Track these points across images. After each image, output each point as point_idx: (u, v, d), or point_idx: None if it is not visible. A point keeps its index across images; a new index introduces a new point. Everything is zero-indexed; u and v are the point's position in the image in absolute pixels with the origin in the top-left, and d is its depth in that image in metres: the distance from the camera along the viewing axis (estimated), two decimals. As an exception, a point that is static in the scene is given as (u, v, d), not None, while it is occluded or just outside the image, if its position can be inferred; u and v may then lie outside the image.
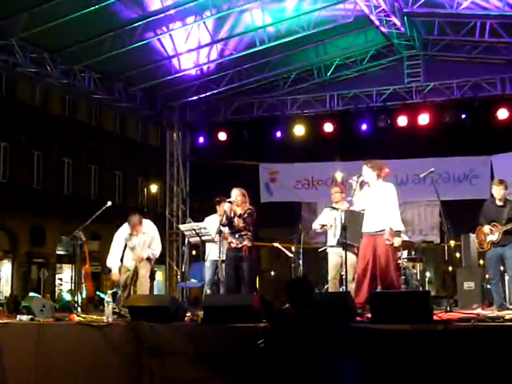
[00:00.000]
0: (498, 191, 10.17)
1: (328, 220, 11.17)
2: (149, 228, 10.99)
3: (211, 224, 11.21)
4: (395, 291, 8.83)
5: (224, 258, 10.53)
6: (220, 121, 17.80)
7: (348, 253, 10.13)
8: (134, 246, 10.77)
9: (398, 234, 9.52)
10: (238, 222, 10.22)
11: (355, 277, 9.88)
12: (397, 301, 7.56)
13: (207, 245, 11.35)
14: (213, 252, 11.12)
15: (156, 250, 11.04)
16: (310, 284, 5.67)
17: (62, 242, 29.38)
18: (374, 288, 9.35)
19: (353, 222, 10.00)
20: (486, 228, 10.14)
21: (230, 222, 10.24)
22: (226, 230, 10.39)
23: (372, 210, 9.56)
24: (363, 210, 9.82)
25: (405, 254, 12.29)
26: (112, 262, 10.86)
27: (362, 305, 8.87)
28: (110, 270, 11.09)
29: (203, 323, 8.03)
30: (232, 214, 10.25)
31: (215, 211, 11.65)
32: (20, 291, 26.92)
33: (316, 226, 11.45)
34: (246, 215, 10.23)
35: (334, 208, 11.06)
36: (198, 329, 7.89)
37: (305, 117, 17.28)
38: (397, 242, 9.48)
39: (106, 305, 9.20)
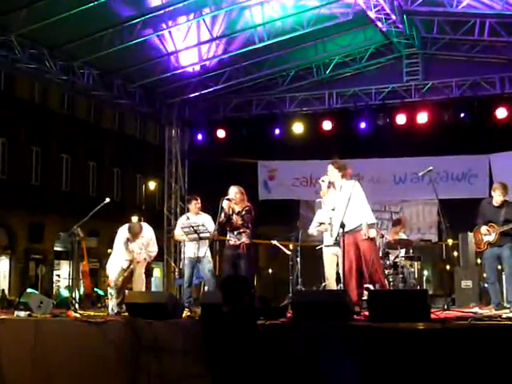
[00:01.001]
0: (497, 197, 10.18)
1: (323, 219, 11.18)
2: (146, 231, 10.99)
3: (181, 223, 11.39)
4: (393, 290, 8.83)
5: (197, 256, 10.74)
6: (219, 118, 17.81)
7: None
8: (133, 249, 10.77)
9: (372, 226, 9.57)
10: (236, 219, 10.22)
11: (344, 277, 9.89)
12: (394, 299, 7.56)
13: (187, 243, 11.36)
14: (189, 250, 11.12)
15: (153, 251, 11.03)
16: (244, 282, 5.70)
17: (59, 238, 29.41)
18: (362, 284, 9.37)
19: None
20: (483, 229, 10.16)
21: (228, 220, 10.24)
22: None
23: (344, 208, 9.50)
24: (332, 210, 9.86)
25: (402, 252, 12.29)
26: (112, 268, 10.80)
27: (355, 303, 8.87)
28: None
29: (200, 320, 8.03)
30: (230, 212, 10.25)
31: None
32: (18, 287, 26.93)
33: (312, 230, 11.47)
34: (244, 212, 10.23)
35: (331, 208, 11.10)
36: (196, 326, 7.89)
37: (303, 115, 17.30)
38: (372, 233, 9.53)
39: (109, 296, 9.24)
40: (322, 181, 9.97)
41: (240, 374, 5.35)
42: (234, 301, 5.51)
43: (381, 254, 11.23)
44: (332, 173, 9.76)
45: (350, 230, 9.47)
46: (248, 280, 5.80)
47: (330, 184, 9.87)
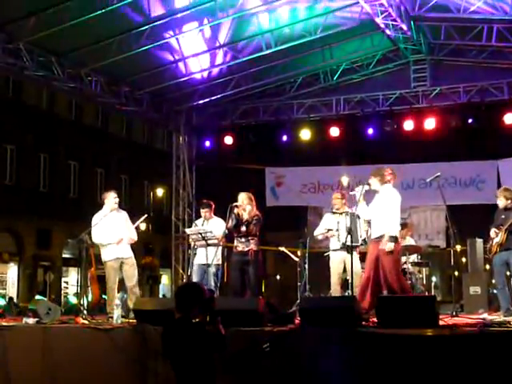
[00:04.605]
0: (499, 202, 10.25)
1: (330, 225, 11.16)
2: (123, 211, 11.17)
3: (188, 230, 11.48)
4: (401, 296, 8.77)
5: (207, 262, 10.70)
6: (226, 125, 17.82)
7: (353, 257, 10.14)
8: (115, 222, 10.76)
9: (392, 239, 9.25)
10: (244, 228, 10.19)
11: (360, 282, 9.85)
12: (403, 305, 7.55)
13: (198, 250, 11.37)
14: (199, 256, 11.12)
15: (133, 231, 11.04)
16: (196, 292, 5.79)
17: (68, 245, 29.43)
18: (378, 293, 9.29)
19: (355, 224, 10.36)
20: (492, 232, 10.19)
21: (235, 227, 10.22)
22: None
23: (376, 216, 9.55)
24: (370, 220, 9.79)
25: (411, 258, 12.26)
26: (102, 237, 10.79)
27: (365, 310, 8.84)
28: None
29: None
30: (239, 218, 10.23)
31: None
32: (26, 294, 26.96)
33: (317, 233, 11.44)
34: (254, 221, 10.20)
35: (336, 212, 11.08)
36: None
37: (311, 121, 17.29)
38: (388, 247, 9.20)
39: (114, 307, 9.24)
40: (356, 191, 9.80)
41: (195, 375, 5.49)
42: (185, 308, 5.64)
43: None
44: (371, 181, 9.65)
45: (375, 237, 9.47)
46: (201, 289, 5.88)
47: (368, 193, 9.71)
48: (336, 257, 11.04)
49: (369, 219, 9.85)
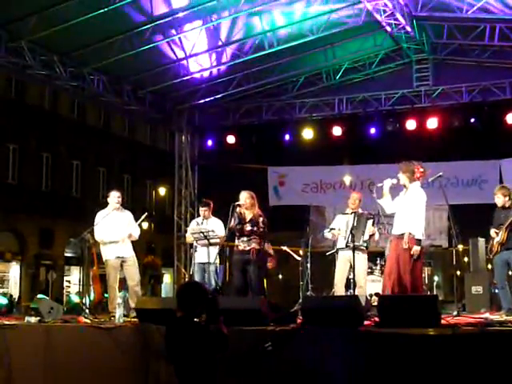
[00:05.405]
0: (497, 199, 10.21)
1: (339, 225, 11.13)
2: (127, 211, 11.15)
3: (191, 229, 11.46)
4: (403, 295, 8.71)
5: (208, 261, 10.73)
6: (229, 124, 17.82)
7: (358, 257, 10.12)
8: (117, 221, 10.77)
9: (417, 242, 9.06)
10: (246, 227, 10.18)
11: (383, 279, 9.78)
12: (405, 305, 7.53)
13: (198, 249, 11.36)
14: (199, 255, 11.12)
15: (137, 229, 11.05)
16: (199, 291, 5.79)
17: (70, 244, 29.45)
18: (397, 291, 9.14)
19: (361, 224, 10.30)
20: (492, 232, 10.16)
21: (238, 225, 10.21)
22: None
23: (400, 212, 9.36)
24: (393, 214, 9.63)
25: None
26: (104, 234, 10.77)
27: None
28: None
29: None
30: (241, 217, 10.22)
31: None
32: (28, 293, 26.97)
33: (327, 234, 11.38)
34: (261, 224, 10.14)
35: (346, 213, 11.04)
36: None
37: (313, 120, 17.29)
38: (414, 250, 8.98)
39: (116, 306, 9.24)
40: (382, 184, 9.59)
41: (197, 374, 5.51)
42: (187, 307, 5.64)
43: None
44: (400, 176, 9.46)
45: (397, 234, 9.33)
46: (203, 288, 5.88)
47: (395, 188, 9.56)
48: (343, 256, 10.99)
49: (391, 213, 9.66)
